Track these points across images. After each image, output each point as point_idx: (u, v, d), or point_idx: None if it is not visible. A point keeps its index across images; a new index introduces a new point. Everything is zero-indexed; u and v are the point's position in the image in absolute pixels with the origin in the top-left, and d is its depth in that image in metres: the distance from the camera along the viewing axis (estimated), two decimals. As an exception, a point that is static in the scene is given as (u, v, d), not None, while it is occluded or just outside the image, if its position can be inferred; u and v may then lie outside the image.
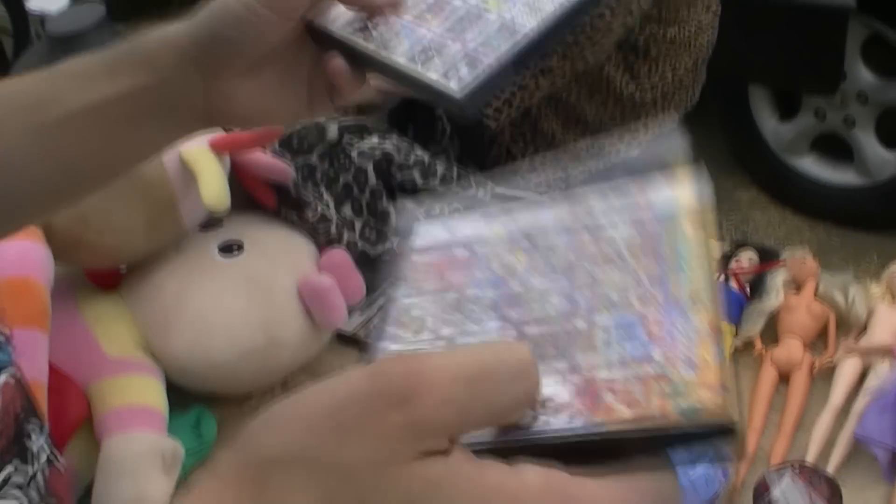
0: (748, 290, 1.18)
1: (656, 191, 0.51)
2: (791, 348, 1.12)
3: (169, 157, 1.07)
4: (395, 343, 0.47)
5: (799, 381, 1.09)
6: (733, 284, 1.18)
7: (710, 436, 0.37)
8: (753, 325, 1.14)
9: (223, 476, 0.37)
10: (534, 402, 0.38)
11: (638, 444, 0.38)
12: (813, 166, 2.97)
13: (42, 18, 1.79)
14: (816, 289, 1.17)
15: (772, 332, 1.15)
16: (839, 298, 1.15)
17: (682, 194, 0.50)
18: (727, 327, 0.42)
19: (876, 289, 1.17)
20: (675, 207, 0.49)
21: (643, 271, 0.46)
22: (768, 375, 1.10)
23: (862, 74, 2.74)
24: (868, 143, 2.83)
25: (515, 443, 0.39)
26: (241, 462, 0.37)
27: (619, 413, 0.39)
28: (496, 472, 0.36)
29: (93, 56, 0.66)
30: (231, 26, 0.63)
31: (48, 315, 1.02)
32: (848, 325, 1.14)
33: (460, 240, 0.53)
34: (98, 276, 1.15)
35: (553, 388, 0.40)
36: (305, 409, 0.37)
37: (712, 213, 0.48)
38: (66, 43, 1.69)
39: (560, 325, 0.44)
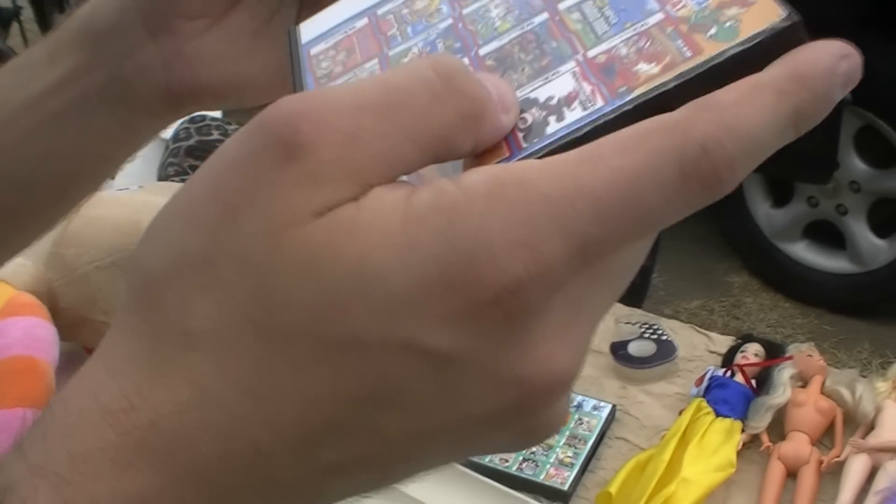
0: (755, 384, 1.18)
1: None
2: (799, 444, 1.11)
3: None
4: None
5: (807, 478, 1.08)
6: (740, 378, 1.18)
7: (767, 50, 0.29)
8: (760, 420, 1.14)
9: (119, 321, 0.29)
10: (476, 118, 0.29)
11: (686, 97, 0.29)
12: (805, 253, 2.99)
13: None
14: (823, 384, 1.17)
15: (779, 428, 1.14)
16: (846, 395, 1.15)
17: None
18: None
19: (882, 385, 1.17)
20: None
21: None
22: (776, 471, 1.09)
23: (855, 164, 2.78)
24: (860, 231, 2.86)
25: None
26: (132, 294, 0.29)
27: (644, 72, 0.30)
28: (427, 192, 0.27)
29: (39, 41, 0.54)
30: None
31: (52, 394, 1.00)
32: (855, 422, 1.14)
33: (353, 13, 0.43)
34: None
35: (543, 89, 0.32)
36: (183, 201, 0.29)
37: None
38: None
39: (519, 31, 0.36)
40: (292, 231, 0.27)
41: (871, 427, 1.13)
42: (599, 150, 0.28)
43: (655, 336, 1.27)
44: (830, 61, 0.28)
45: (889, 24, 2.62)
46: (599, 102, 0.30)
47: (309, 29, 0.44)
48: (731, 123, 0.27)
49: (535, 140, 0.31)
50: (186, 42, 0.50)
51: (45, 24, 4.69)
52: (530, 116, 0.32)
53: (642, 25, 0.32)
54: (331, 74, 0.40)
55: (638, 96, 0.30)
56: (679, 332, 1.31)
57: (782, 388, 1.15)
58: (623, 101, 0.30)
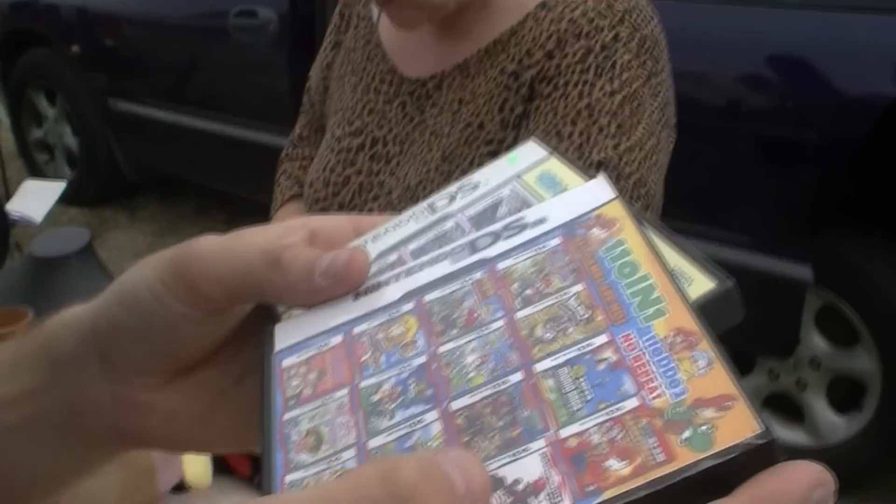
0: None
1: (548, 206, 0.43)
2: None
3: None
4: (293, 472, 0.36)
5: None
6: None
7: (740, 466, 0.29)
8: None
9: None
10: None
11: None
12: (764, 425, 3.00)
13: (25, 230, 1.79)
14: None
15: None
16: None
17: (578, 197, 0.43)
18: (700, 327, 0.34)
19: None
20: (577, 213, 0.42)
21: (572, 296, 0.38)
22: None
23: (815, 341, 2.82)
24: (819, 406, 2.88)
25: None
26: None
27: (614, 471, 0.30)
28: None
29: (8, 346, 0.52)
30: (136, 317, 0.45)
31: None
32: None
33: (330, 327, 0.42)
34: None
35: (511, 467, 0.32)
36: None
37: (625, 204, 0.41)
38: (47, 266, 1.69)
39: (493, 389, 0.35)
40: None
41: None
42: None
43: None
44: (804, 492, 0.28)
45: (850, 212, 2.69)
46: (566, 501, 0.30)
47: (285, 333, 0.44)
48: None
49: None
50: (140, 393, 0.47)
51: None
52: (496, 500, 0.31)
53: (617, 410, 0.32)
54: (300, 397, 0.40)
55: (605, 501, 0.30)
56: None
57: None
58: None
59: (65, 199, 3.61)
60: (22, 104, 5.42)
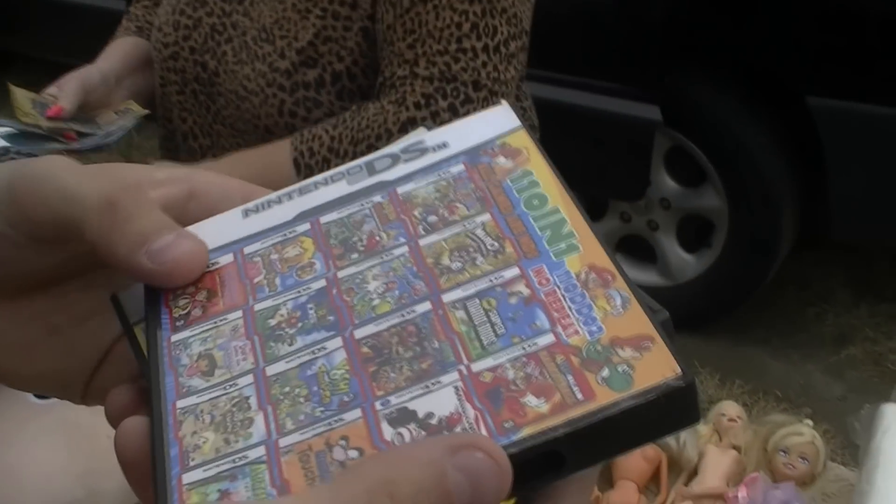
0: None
1: (449, 131, 0.41)
2: (626, 492, 1.12)
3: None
4: (185, 397, 0.33)
5: (636, 528, 1.10)
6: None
7: (659, 408, 0.29)
8: (590, 469, 1.14)
9: None
10: None
11: (574, 447, 0.29)
12: (618, 267, 3.07)
13: None
14: (649, 430, 1.19)
15: (606, 475, 1.16)
16: (671, 441, 1.17)
17: (482, 126, 0.40)
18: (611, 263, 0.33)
19: (704, 429, 1.20)
20: (480, 140, 0.40)
21: (478, 225, 0.36)
22: (605, 521, 1.10)
23: (665, 182, 2.87)
24: (670, 246, 2.96)
25: None
26: None
27: (532, 408, 0.29)
28: None
29: None
30: None
31: None
32: (679, 468, 1.16)
33: (218, 245, 0.39)
34: None
35: (423, 400, 0.31)
36: None
37: (530, 133, 0.39)
38: None
39: (399, 318, 0.34)
40: None
41: (694, 472, 1.16)
42: None
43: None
44: None
45: (696, 53, 2.72)
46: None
47: None
48: None
49: None
50: None
51: None
52: (408, 433, 0.30)
53: (531, 345, 0.31)
54: (188, 317, 0.37)
55: (525, 439, 0.29)
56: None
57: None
58: (509, 442, 0.29)
59: None
60: None
